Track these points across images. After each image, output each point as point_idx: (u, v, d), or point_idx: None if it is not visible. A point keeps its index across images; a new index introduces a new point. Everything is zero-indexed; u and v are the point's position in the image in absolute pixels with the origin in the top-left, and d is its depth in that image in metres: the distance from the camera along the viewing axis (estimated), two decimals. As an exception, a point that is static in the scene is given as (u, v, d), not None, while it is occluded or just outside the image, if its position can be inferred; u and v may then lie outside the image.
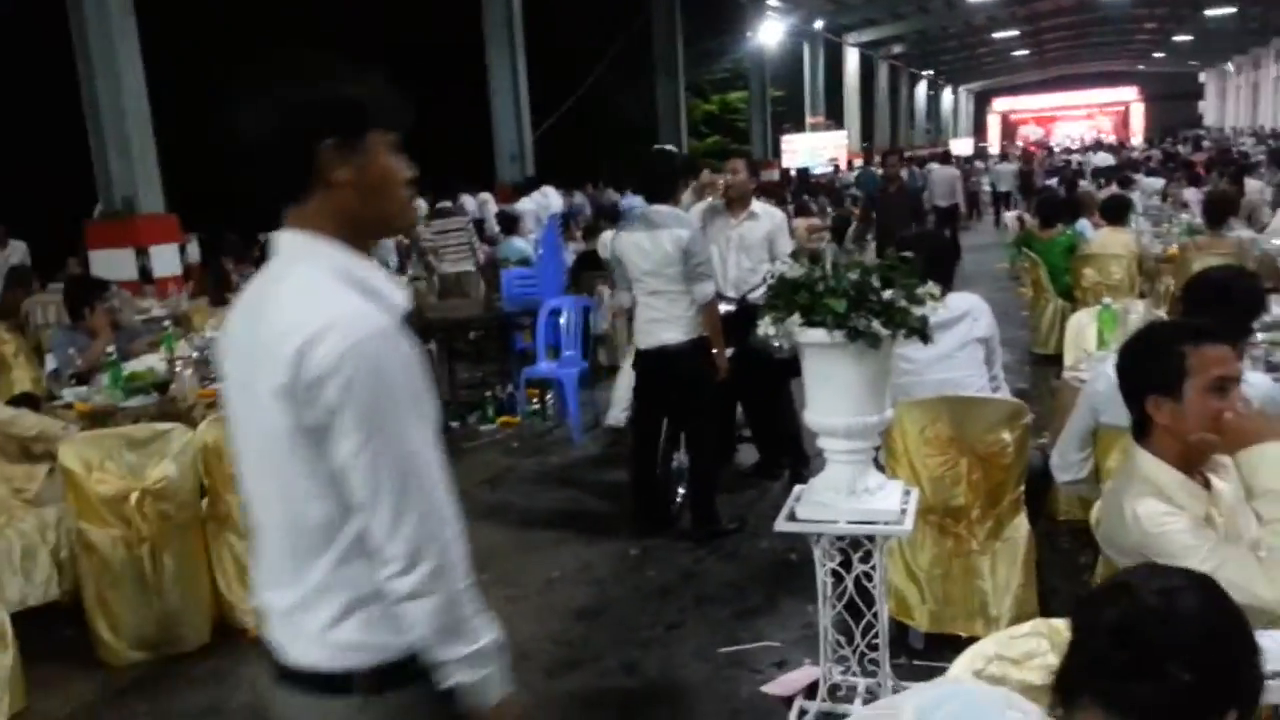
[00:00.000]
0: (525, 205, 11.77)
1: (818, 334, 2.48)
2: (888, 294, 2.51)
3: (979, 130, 51.33)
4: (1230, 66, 46.99)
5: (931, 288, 2.51)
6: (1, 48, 11.60)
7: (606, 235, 6.26)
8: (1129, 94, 51.07)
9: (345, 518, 1.31)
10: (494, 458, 6.01)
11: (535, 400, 6.88)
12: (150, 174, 9.25)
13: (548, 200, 11.91)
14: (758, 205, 5.18)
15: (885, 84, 36.95)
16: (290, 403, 1.27)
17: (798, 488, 2.82)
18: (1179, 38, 39.45)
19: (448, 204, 11.24)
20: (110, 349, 4.56)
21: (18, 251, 8.65)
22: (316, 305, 1.28)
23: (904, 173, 12.57)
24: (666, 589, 3.92)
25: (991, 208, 19.84)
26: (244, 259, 8.61)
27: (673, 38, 19.05)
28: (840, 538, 2.66)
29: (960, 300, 3.38)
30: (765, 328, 2.54)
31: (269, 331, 1.29)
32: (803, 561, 3.98)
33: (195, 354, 4.76)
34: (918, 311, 2.48)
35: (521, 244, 10.06)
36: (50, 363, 5.10)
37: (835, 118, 30.14)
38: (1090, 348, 4.13)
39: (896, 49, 35.98)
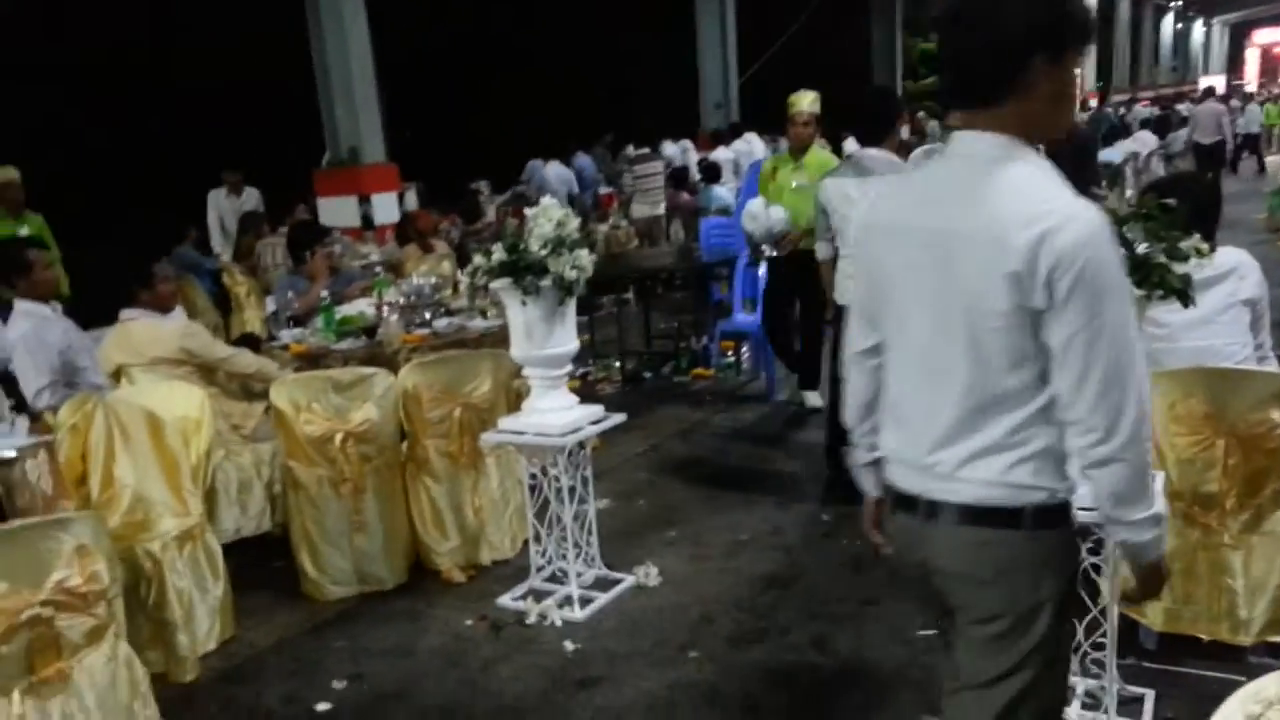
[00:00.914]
0: (724, 154, 11.52)
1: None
2: (1142, 248, 2.15)
3: (1234, 67, 46.12)
4: None
5: (1198, 241, 2.13)
6: (236, 6, 12.42)
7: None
8: None
9: (1039, 387, 1.50)
10: (686, 410, 5.91)
11: (730, 354, 6.71)
12: (374, 125, 9.67)
13: (750, 148, 11.58)
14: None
15: (1127, 15, 33.70)
16: (1016, 287, 1.44)
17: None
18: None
19: (645, 150, 11.22)
20: (325, 293, 4.75)
21: (252, 198, 9.26)
22: (1050, 200, 1.46)
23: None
24: (861, 560, 3.68)
25: (1238, 153, 17.83)
26: (450, 211, 8.88)
27: (889, -30, 18.09)
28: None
29: (1226, 256, 2.89)
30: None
31: (996, 221, 1.46)
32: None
33: (404, 299, 4.90)
34: (1179, 269, 2.11)
35: (722, 192, 9.85)
36: (270, 304, 5.41)
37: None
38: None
39: (1140, -23, 32.72)
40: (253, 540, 3.89)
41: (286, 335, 4.64)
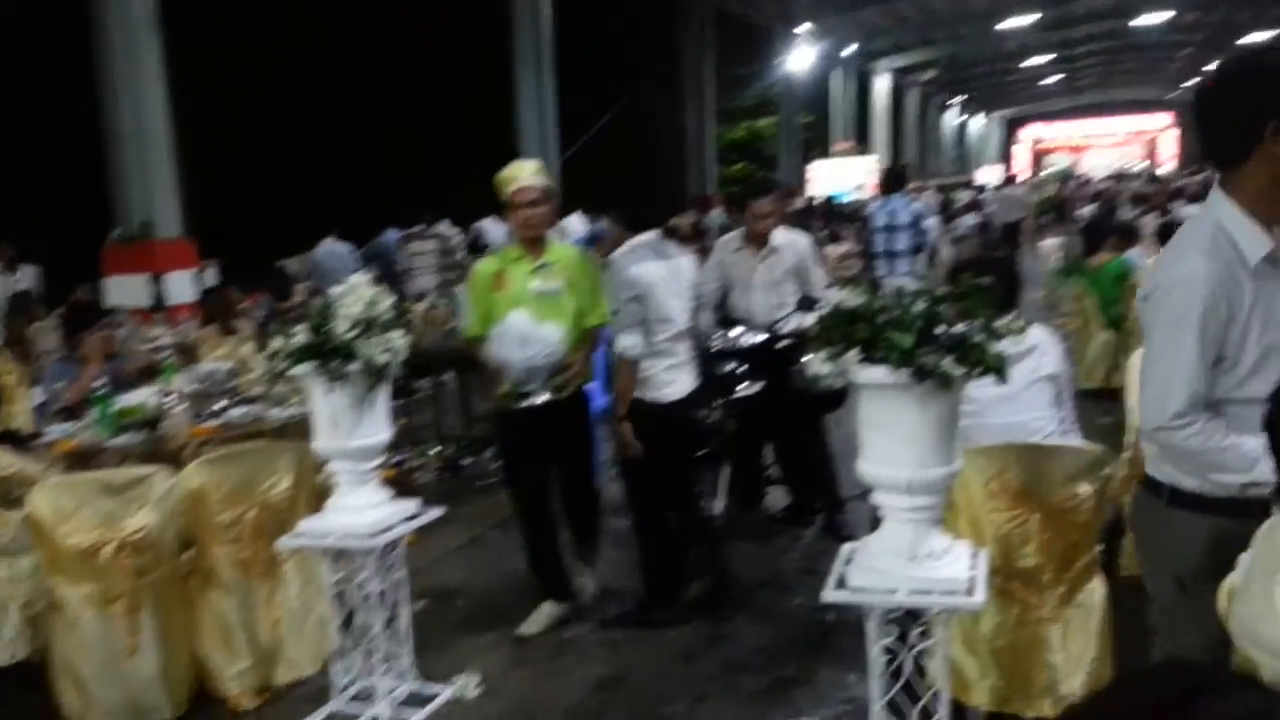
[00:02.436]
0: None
1: (878, 373, 2.13)
2: (960, 326, 2.16)
3: (1007, 158, 50.81)
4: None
5: (1014, 319, 2.16)
6: (21, 67, 11.53)
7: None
8: (1162, 121, 50.45)
9: None
10: (508, 498, 5.66)
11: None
12: (169, 197, 9.08)
13: (571, 224, 11.61)
14: (779, 235, 4.81)
15: (915, 110, 36.64)
16: None
17: (847, 547, 2.46)
18: (1213, 65, 38.92)
19: (420, 227, 10.93)
20: (101, 381, 4.27)
21: (27, 277, 8.47)
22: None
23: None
24: (691, 654, 3.54)
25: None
26: (257, 290, 8.34)
27: (701, 62, 18.84)
28: (897, 609, 2.30)
29: (1028, 333, 3.00)
30: (817, 365, 2.19)
31: None
32: (842, 624, 3.61)
33: (194, 386, 4.47)
34: (996, 347, 2.13)
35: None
36: (39, 395, 4.83)
37: (863, 143, 29.84)
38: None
39: (926, 75, 35.70)
40: (7, 670, 3.36)
41: (55, 430, 4.12)
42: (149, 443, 3.89)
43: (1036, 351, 2.99)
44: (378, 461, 3.06)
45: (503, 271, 3.82)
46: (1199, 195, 15.73)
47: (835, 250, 11.40)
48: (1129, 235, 7.08)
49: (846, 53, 26.95)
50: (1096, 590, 2.71)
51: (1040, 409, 2.91)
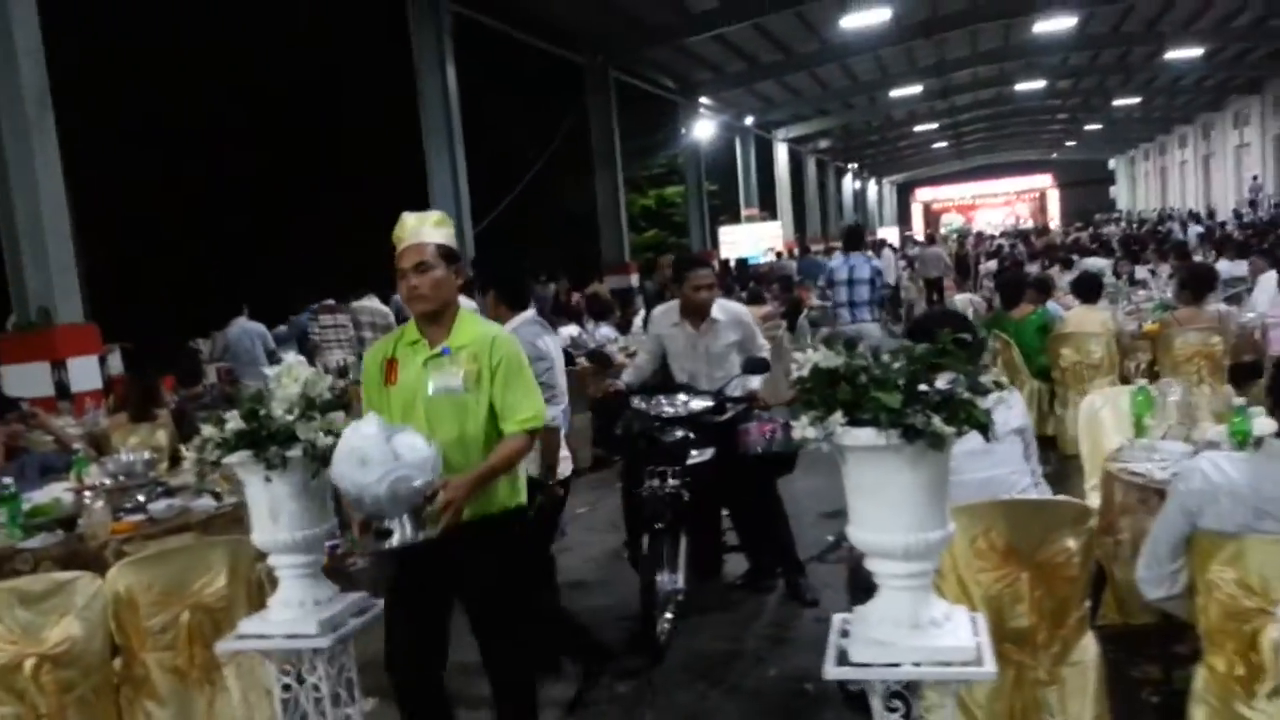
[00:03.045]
0: (466, 304, 11.31)
1: (866, 434, 2.06)
2: (942, 383, 2.11)
3: (903, 219, 52.80)
4: (1139, 153, 49.30)
5: (996, 375, 2.12)
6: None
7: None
8: (1044, 181, 53.19)
9: None
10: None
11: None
12: (69, 283, 8.65)
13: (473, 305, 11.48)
14: (717, 307, 4.67)
15: (814, 177, 37.84)
16: None
17: (838, 618, 2.37)
18: (1090, 126, 41.29)
19: (330, 301, 10.70)
20: (8, 480, 3.94)
21: (-87, 370, 7.93)
22: None
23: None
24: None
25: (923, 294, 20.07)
26: (174, 373, 7.93)
27: (610, 133, 19.10)
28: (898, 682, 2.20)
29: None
30: (803, 429, 2.11)
31: None
32: (820, 695, 3.50)
33: (111, 479, 4.17)
34: (982, 404, 2.09)
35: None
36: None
37: (769, 209, 30.60)
38: (1116, 434, 3.78)
39: (823, 143, 36.99)
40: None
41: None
42: (66, 543, 3.58)
43: (1003, 405, 2.97)
44: (317, 555, 2.85)
45: (395, 360, 2.97)
46: (1093, 250, 16.52)
47: (758, 310, 11.48)
48: (1045, 288, 7.30)
49: (747, 122, 27.73)
50: (1089, 647, 2.66)
51: (1015, 462, 2.89)
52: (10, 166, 8.21)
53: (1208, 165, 36.90)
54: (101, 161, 15.77)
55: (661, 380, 4.85)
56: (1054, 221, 44.66)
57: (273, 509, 2.73)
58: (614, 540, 5.42)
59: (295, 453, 2.66)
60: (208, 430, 2.64)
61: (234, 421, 2.64)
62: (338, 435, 2.71)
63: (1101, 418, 4.00)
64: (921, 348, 2.14)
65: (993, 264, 18.61)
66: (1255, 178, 30.13)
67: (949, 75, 26.79)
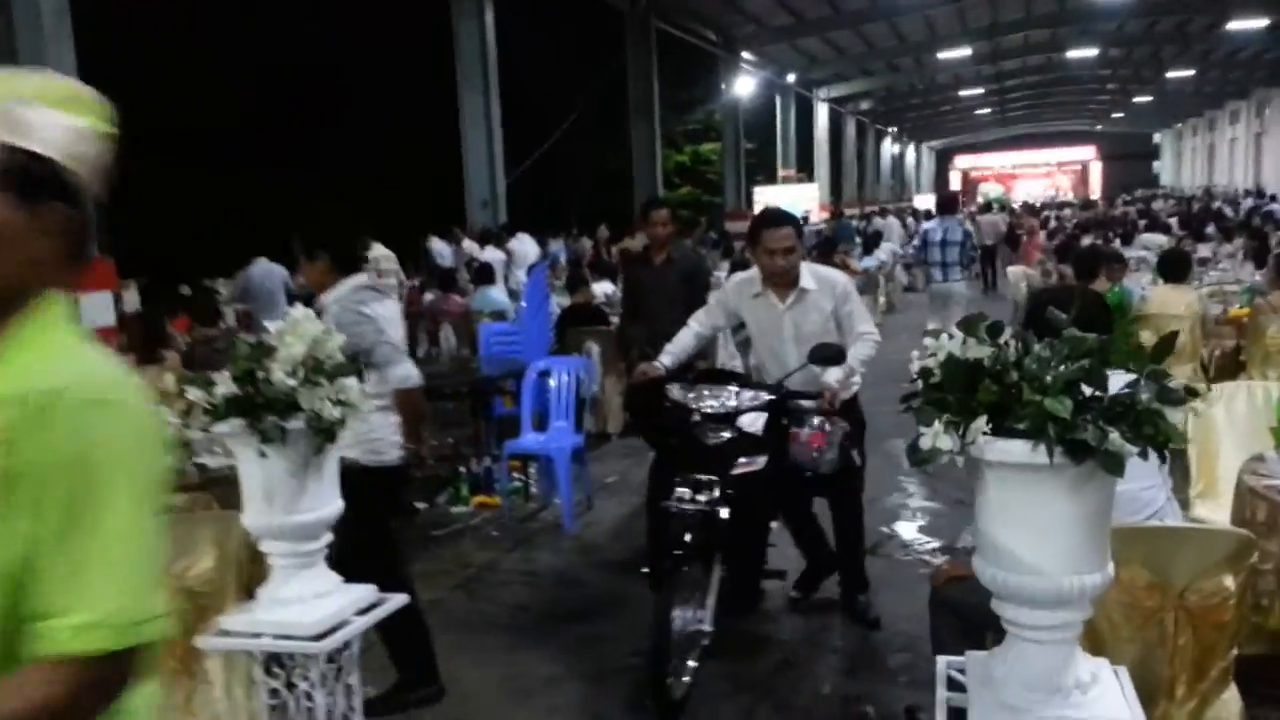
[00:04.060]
0: (495, 255, 10.88)
1: (1018, 449, 1.60)
2: (1118, 388, 1.64)
3: (941, 187, 51.80)
4: (1186, 128, 47.86)
5: (1194, 382, 1.64)
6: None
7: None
8: (1087, 153, 51.88)
9: None
10: (469, 550, 5.03)
11: (517, 476, 5.92)
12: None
13: (524, 248, 11.04)
14: (808, 274, 3.79)
15: (853, 139, 36.95)
16: None
17: (944, 662, 1.93)
18: (1139, 99, 40.01)
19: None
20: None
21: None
22: None
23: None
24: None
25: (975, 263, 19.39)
26: (189, 312, 7.54)
27: (649, 85, 18.46)
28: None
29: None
30: (934, 438, 1.65)
31: None
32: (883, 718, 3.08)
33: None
34: (1173, 417, 1.61)
35: (496, 295, 9.17)
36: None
37: (806, 171, 29.86)
38: (1229, 438, 3.30)
39: (864, 105, 36.10)
40: None
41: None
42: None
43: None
44: (324, 540, 2.43)
45: None
46: (1152, 225, 15.80)
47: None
48: (1121, 263, 6.74)
49: (788, 80, 26.93)
50: (1232, 702, 2.20)
51: (1150, 474, 2.41)
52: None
53: (1259, 143, 35.60)
54: (125, 92, 15.37)
55: (704, 370, 4.21)
56: (1094, 195, 43.46)
57: (267, 488, 2.30)
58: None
59: (297, 424, 2.23)
60: (193, 393, 2.21)
61: (224, 384, 2.20)
62: (349, 406, 2.28)
63: (1212, 416, 3.50)
64: (1091, 339, 1.66)
65: (1041, 236, 17.94)
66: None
67: (1000, 39, 25.88)
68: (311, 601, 2.41)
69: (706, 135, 30.30)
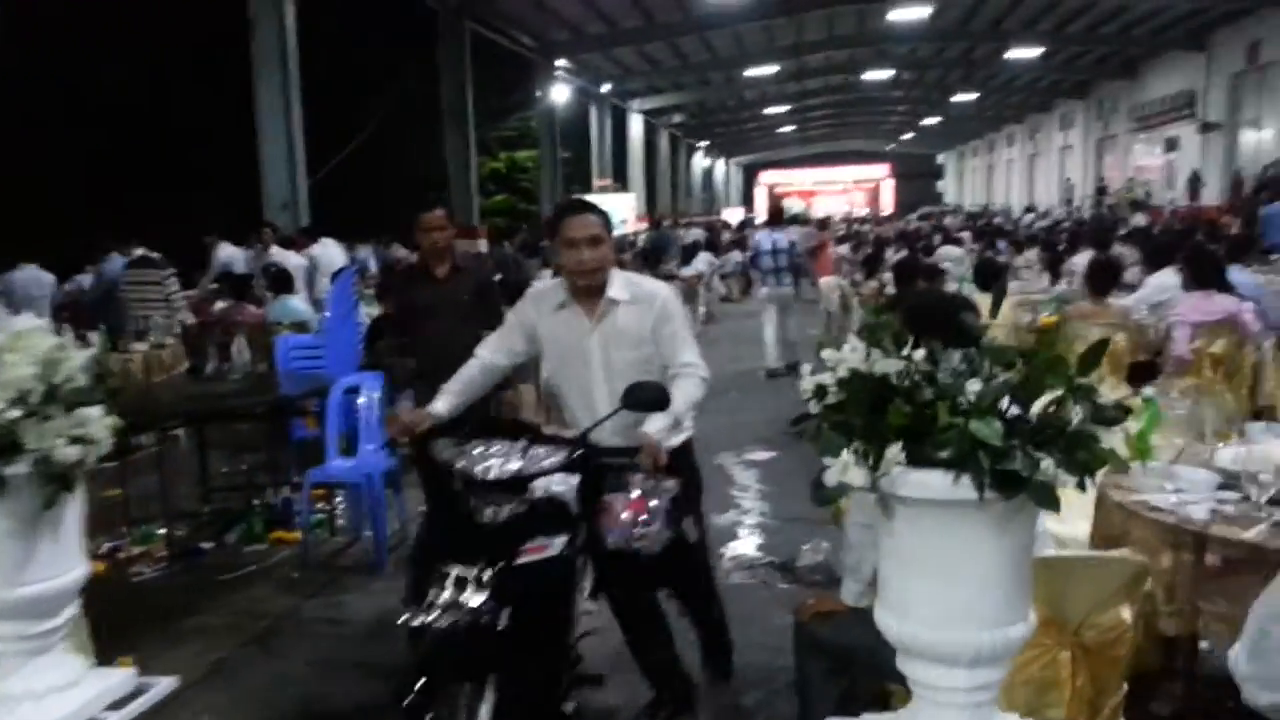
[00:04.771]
0: (296, 260, 10.06)
1: (938, 482, 1.34)
2: (1040, 405, 1.41)
3: (747, 201, 53.56)
4: (968, 149, 51.67)
5: (1129, 396, 1.44)
6: None
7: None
8: (880, 171, 55.04)
9: None
10: (265, 596, 4.43)
11: (321, 508, 5.34)
12: None
13: (328, 253, 10.27)
14: (620, 283, 3.00)
15: (667, 151, 37.52)
16: None
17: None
18: (927, 120, 42.74)
19: (139, 253, 9.36)
20: None
21: None
22: None
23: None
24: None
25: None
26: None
27: (462, 88, 17.85)
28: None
29: None
30: (843, 471, 1.36)
31: None
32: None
33: None
34: (1108, 439, 1.39)
35: (298, 304, 8.43)
36: None
37: (620, 181, 29.99)
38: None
39: (677, 118, 36.71)
40: None
41: None
42: None
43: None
44: (64, 617, 1.90)
45: None
46: (943, 239, 16.68)
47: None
48: (938, 274, 6.87)
49: (603, 89, 26.97)
50: (1124, 741, 2.05)
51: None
52: None
53: (1033, 164, 38.82)
54: None
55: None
56: (885, 211, 46.15)
57: (-21, 553, 1.77)
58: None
59: (18, 469, 1.71)
60: None
61: (-93, 420, 1.65)
62: (90, 443, 1.78)
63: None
64: (1011, 349, 1.43)
65: (844, 248, 18.62)
66: (1069, 179, 32.15)
67: (803, 58, 26.91)
68: (48, 697, 1.87)
69: (522, 142, 29.91)
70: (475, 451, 2.57)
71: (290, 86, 12.53)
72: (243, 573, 4.71)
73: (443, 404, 2.95)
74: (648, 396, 2.69)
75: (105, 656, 3.31)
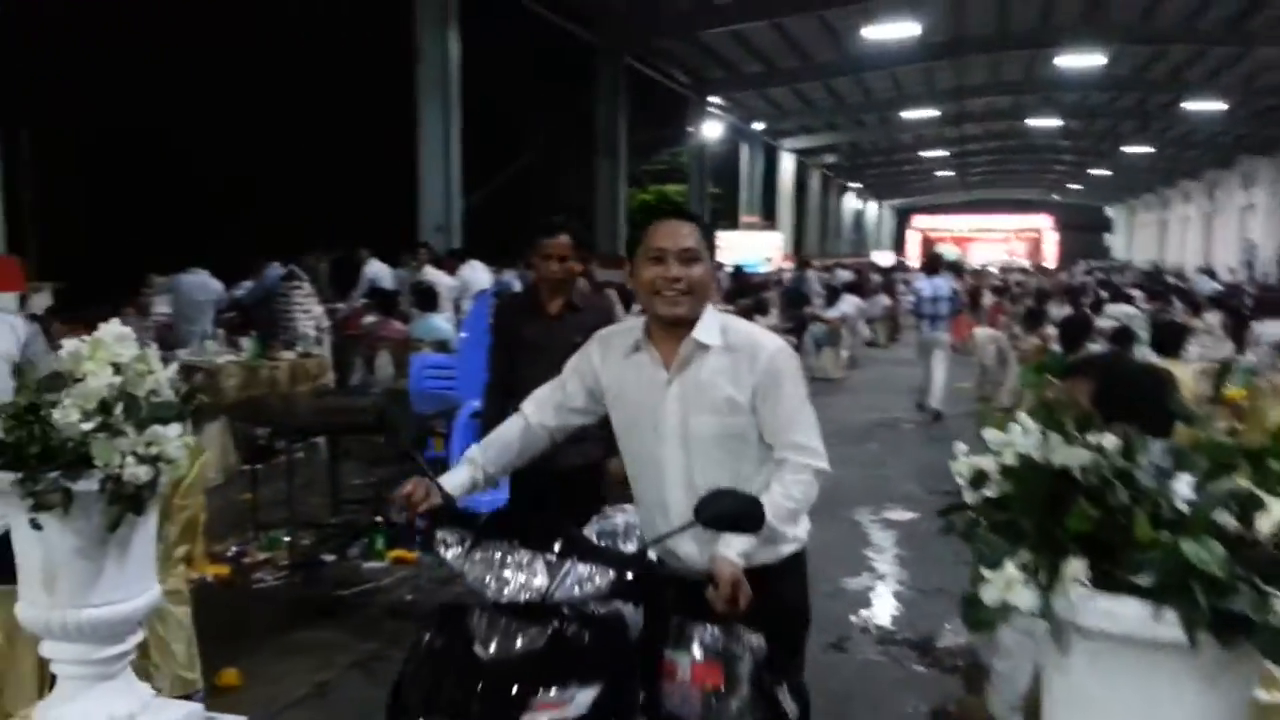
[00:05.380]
0: (446, 281, 10.26)
1: (1132, 613, 1.04)
2: (1270, 523, 1.09)
3: (899, 245, 52.46)
4: (1139, 203, 48.91)
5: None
6: None
7: None
8: (1043, 222, 52.88)
9: None
10: (378, 617, 4.37)
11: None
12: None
13: (475, 275, 10.42)
14: (713, 323, 2.23)
15: (817, 191, 37.06)
16: None
17: None
18: (1095, 171, 40.73)
19: (290, 267, 9.67)
20: None
21: None
22: None
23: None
24: None
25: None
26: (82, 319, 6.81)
27: (616, 121, 18.08)
28: None
29: None
30: (1006, 587, 1.08)
31: None
32: None
33: None
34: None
35: (441, 323, 8.55)
36: None
37: (769, 218, 29.75)
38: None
39: (829, 158, 36.27)
40: None
41: None
42: None
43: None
44: (129, 643, 1.79)
45: None
46: (1111, 296, 15.66)
47: (762, 321, 10.52)
48: (1126, 339, 6.28)
49: (755, 127, 26.85)
50: None
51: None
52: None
53: (1210, 223, 36.30)
54: (71, 91, 14.65)
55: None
56: (1048, 263, 44.13)
57: (47, 570, 1.67)
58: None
59: (86, 485, 1.61)
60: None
61: (-15, 423, 1.57)
62: (164, 463, 1.66)
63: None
64: (1232, 443, 1.12)
65: (1000, 299, 17.78)
66: (1250, 240, 29.71)
67: (964, 102, 26.13)
68: (106, 726, 1.76)
69: (672, 176, 30.10)
70: (492, 556, 1.91)
71: (451, 114, 12.92)
72: (359, 589, 4.68)
73: (460, 477, 2.23)
74: (732, 510, 1.91)
75: (211, 663, 3.30)
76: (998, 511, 1.15)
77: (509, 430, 2.35)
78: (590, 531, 2.20)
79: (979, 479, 1.20)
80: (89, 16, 14.50)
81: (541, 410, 2.36)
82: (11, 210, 8.47)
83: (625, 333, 2.33)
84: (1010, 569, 1.07)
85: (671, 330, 2.21)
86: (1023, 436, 1.15)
